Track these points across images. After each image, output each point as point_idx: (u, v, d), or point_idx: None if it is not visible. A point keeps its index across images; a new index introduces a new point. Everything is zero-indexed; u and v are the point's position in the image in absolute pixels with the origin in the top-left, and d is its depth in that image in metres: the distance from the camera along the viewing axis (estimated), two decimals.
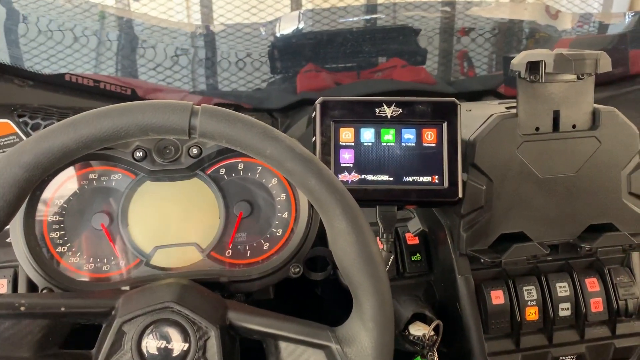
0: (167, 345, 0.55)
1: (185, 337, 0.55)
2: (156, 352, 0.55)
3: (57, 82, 1.06)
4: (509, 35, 1.31)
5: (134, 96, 1.15)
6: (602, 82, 1.24)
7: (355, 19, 1.31)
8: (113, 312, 0.56)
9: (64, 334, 0.57)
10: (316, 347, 0.56)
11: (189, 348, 0.55)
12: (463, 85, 1.30)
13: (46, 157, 0.51)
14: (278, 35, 1.23)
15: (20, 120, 0.93)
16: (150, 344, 0.55)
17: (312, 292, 0.92)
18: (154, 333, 0.55)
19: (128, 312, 0.55)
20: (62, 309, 0.55)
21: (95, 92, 1.09)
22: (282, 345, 0.57)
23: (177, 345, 0.55)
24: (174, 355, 0.55)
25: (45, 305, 0.55)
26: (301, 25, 1.24)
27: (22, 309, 0.54)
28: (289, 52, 1.25)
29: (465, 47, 1.28)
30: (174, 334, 0.55)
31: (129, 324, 0.55)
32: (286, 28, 1.24)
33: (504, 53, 1.28)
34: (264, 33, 1.22)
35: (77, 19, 1.16)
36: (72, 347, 0.58)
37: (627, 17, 1.30)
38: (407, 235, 0.82)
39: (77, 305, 0.56)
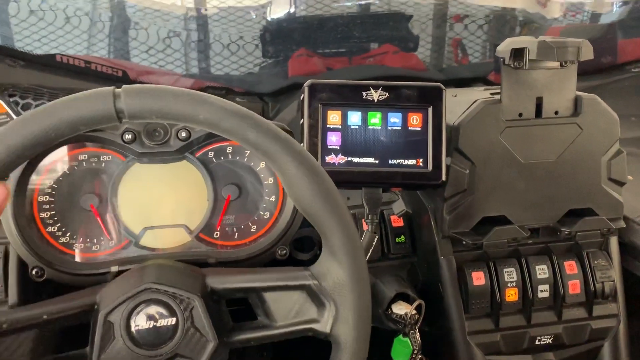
0: (155, 324, 0.56)
1: (171, 312, 0.56)
2: (147, 333, 0.56)
3: (48, 63, 1.06)
4: (501, 23, 1.32)
5: (125, 78, 1.15)
6: (591, 71, 1.25)
7: (348, 3, 1.31)
8: (96, 307, 0.57)
9: (55, 339, 0.58)
10: (297, 289, 0.58)
11: (177, 321, 0.56)
12: (453, 72, 1.31)
13: None
14: (270, 19, 1.23)
15: (11, 100, 0.94)
16: (140, 327, 0.56)
17: None
18: (140, 315, 0.56)
19: (110, 303, 0.56)
20: (44, 317, 0.56)
21: (87, 73, 1.09)
22: (266, 295, 0.59)
23: (165, 321, 0.56)
24: (164, 331, 0.56)
25: (27, 318, 0.56)
26: (293, 9, 1.24)
27: (4, 326, 0.54)
28: (281, 36, 1.26)
29: (457, 35, 1.28)
30: (160, 311, 0.56)
31: (113, 313, 0.56)
32: (278, 12, 1.24)
33: (495, 41, 1.29)
34: (255, 17, 1.22)
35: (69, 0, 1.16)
36: (69, 348, 0.58)
37: (614, 6, 1.31)
38: (392, 217, 0.84)
39: (58, 310, 0.57)
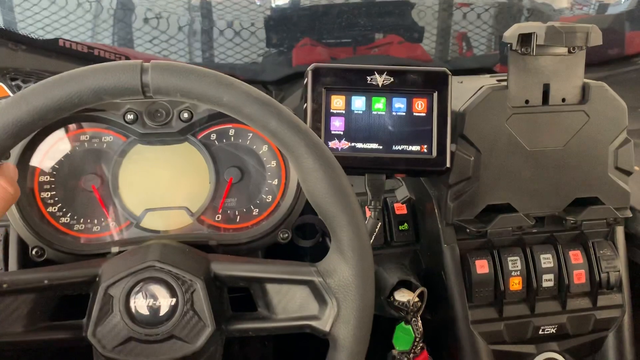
0: (154, 302, 0.56)
1: (172, 293, 0.56)
2: (145, 311, 0.55)
3: (50, 47, 1.06)
4: (507, 14, 1.31)
5: None
6: (598, 63, 1.24)
7: None
8: (97, 279, 0.57)
9: (52, 306, 0.58)
10: (301, 284, 0.57)
11: (176, 302, 0.56)
12: (459, 63, 1.30)
13: (2, 133, 0.49)
14: (274, 6, 1.22)
15: (13, 83, 0.93)
16: (139, 303, 0.55)
17: (301, 260, 0.93)
18: (140, 292, 0.56)
19: (112, 276, 0.56)
20: (45, 281, 0.56)
21: (89, 59, 1.08)
22: (269, 287, 0.58)
23: (165, 301, 0.56)
24: (163, 311, 0.56)
25: (28, 281, 0.56)
26: None
27: (5, 286, 0.54)
28: (285, 25, 1.25)
29: (463, 26, 1.27)
30: (160, 290, 0.56)
31: (114, 287, 0.56)
32: (282, 0, 1.23)
33: (502, 32, 1.28)
34: (259, 4, 1.21)
35: None
36: (66, 318, 0.58)
37: None
38: (395, 205, 0.83)
39: (60, 277, 0.57)
